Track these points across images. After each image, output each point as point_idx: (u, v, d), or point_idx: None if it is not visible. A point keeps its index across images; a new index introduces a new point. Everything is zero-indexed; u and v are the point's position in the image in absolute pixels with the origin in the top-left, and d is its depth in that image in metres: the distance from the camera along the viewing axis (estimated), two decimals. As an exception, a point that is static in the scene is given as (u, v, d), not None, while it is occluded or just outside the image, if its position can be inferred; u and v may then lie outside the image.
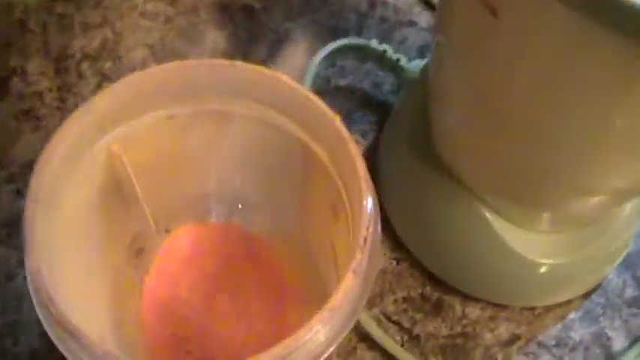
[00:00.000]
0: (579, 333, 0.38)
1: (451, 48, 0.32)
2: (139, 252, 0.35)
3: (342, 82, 0.45)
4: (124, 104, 0.28)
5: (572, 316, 0.38)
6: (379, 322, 0.37)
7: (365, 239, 0.25)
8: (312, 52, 0.44)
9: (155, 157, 0.32)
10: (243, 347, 0.34)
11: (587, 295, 0.39)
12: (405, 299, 0.38)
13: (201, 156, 0.33)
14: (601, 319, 0.38)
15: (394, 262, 0.39)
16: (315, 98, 0.28)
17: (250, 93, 0.30)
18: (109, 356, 0.22)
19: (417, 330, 0.37)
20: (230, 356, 0.34)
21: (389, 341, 0.36)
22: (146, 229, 0.34)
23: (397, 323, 0.38)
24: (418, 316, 0.38)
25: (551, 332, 0.38)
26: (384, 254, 0.40)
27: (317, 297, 0.33)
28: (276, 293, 0.36)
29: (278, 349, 0.23)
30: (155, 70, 0.29)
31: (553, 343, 0.37)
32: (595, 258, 0.37)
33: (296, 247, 0.36)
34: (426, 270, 0.39)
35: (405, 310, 0.38)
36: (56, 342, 0.24)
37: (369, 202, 0.26)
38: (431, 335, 0.37)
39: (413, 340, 0.37)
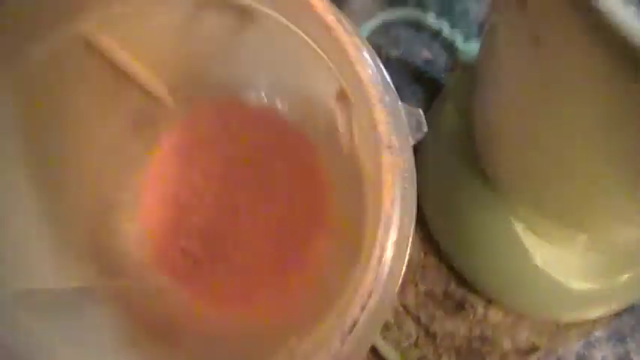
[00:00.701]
0: (602, 353, 0.36)
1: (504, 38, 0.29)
2: (147, 123, 0.29)
3: (394, 53, 0.43)
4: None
5: (597, 333, 0.37)
6: (397, 314, 0.37)
7: (354, 324, 0.18)
8: (368, 17, 0.42)
9: (159, 33, 0.26)
10: (252, 261, 0.30)
11: (617, 314, 0.37)
12: (427, 293, 0.38)
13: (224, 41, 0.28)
14: (628, 339, 0.37)
15: (422, 254, 0.39)
16: None
17: None
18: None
19: (434, 327, 0.37)
20: (232, 267, 0.30)
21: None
22: (158, 97, 0.29)
23: (415, 317, 0.37)
24: (438, 312, 0.37)
25: (573, 347, 0.37)
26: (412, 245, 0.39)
27: (352, 232, 0.27)
28: (307, 207, 0.30)
29: None
30: None
31: (573, 359, 0.36)
32: (630, 285, 0.35)
33: (344, 164, 0.29)
34: (453, 267, 0.38)
35: (425, 305, 0.38)
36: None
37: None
38: (448, 334, 0.37)
39: (428, 336, 0.37)
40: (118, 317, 0.27)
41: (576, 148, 0.26)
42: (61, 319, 0.25)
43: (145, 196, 0.30)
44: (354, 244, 0.23)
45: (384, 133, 0.21)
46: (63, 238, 0.26)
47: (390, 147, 0.21)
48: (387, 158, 0.21)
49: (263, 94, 0.30)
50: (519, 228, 0.33)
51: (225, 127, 0.30)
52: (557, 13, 0.22)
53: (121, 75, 0.27)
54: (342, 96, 0.25)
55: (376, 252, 0.19)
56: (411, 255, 0.39)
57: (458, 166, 0.36)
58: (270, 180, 0.30)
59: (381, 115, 0.21)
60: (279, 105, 0.30)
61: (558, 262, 0.33)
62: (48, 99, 0.25)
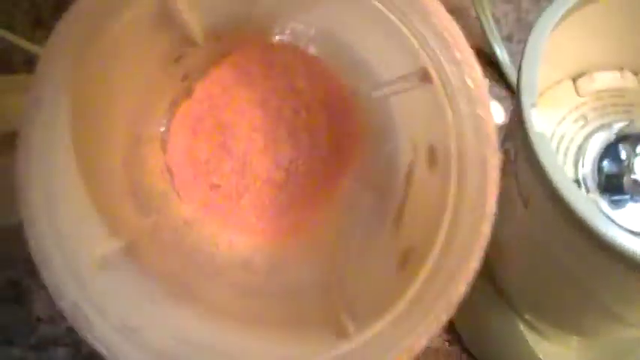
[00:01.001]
0: None
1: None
2: (183, 60, 0.29)
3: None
4: None
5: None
6: (425, 395, 0.46)
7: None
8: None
9: None
10: (279, 194, 0.31)
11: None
12: (451, 378, 0.46)
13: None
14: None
15: (447, 343, 0.47)
16: None
17: None
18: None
19: (455, 405, 0.46)
20: (261, 199, 0.31)
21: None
22: (197, 34, 0.28)
23: (440, 398, 0.46)
24: (459, 393, 0.46)
25: None
26: (439, 336, 0.47)
27: (379, 183, 0.29)
28: (334, 150, 0.31)
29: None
30: None
31: None
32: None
33: (379, 119, 0.29)
34: (472, 355, 0.46)
35: (449, 387, 0.46)
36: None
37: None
38: (466, 411, 0.46)
39: (452, 413, 0.45)
40: (152, 267, 0.27)
41: (570, 282, 0.33)
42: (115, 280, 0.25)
43: (174, 132, 0.30)
44: (381, 195, 0.26)
45: (493, 134, 0.23)
46: (102, 181, 0.26)
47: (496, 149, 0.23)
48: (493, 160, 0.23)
49: (302, 40, 0.29)
50: (525, 329, 0.42)
51: (260, 65, 0.31)
52: (536, 188, 0.30)
53: (163, 13, 0.26)
54: (424, 77, 0.24)
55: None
56: (436, 344, 0.47)
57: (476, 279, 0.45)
58: (301, 123, 0.31)
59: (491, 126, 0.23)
60: (320, 52, 0.29)
61: (557, 357, 0.42)
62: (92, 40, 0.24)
